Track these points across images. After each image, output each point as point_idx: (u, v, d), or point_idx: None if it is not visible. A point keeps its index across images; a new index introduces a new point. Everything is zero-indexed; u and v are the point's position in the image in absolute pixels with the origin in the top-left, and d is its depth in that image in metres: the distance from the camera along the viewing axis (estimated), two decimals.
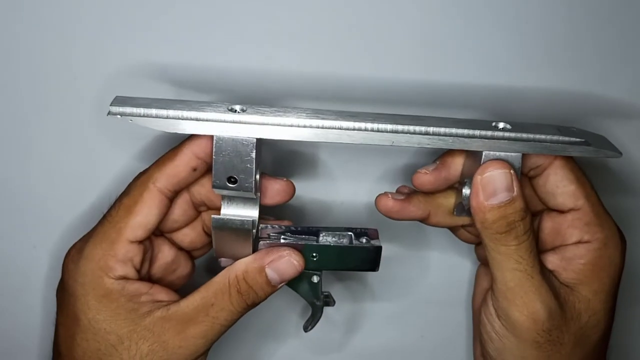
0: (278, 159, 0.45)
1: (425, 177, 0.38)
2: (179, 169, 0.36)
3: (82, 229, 0.39)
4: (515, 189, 0.35)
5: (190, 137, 0.36)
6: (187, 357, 0.37)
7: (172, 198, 0.37)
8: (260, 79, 0.41)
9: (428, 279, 0.49)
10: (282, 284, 0.38)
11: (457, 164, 0.38)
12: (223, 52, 0.40)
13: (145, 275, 0.39)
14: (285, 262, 0.37)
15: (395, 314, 0.49)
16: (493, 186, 0.35)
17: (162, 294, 0.38)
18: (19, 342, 0.47)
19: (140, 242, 0.37)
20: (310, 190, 0.45)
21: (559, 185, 0.37)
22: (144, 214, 0.36)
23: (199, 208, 0.39)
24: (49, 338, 0.40)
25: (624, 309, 0.42)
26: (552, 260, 0.38)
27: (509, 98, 0.42)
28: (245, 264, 0.37)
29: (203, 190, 0.38)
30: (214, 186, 0.35)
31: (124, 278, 0.36)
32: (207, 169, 0.37)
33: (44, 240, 0.45)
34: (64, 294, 0.37)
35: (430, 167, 0.38)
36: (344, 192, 0.45)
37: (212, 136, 0.34)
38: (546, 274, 0.37)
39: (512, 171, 0.35)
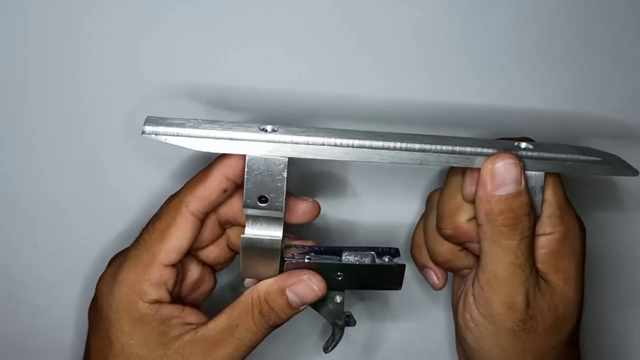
0: (302, 177, 0.45)
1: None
2: (210, 191, 0.36)
3: (82, 230, 0.40)
4: (522, 182, 0.35)
5: (220, 157, 0.37)
6: None
7: (203, 220, 0.38)
8: (284, 100, 0.42)
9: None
10: (304, 307, 0.38)
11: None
12: (251, 73, 0.41)
13: (175, 296, 0.39)
14: (304, 287, 0.37)
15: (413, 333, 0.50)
16: (502, 177, 0.35)
17: (192, 317, 0.38)
18: (20, 342, 0.47)
19: (174, 265, 0.37)
20: (334, 210, 0.46)
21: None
22: (177, 238, 0.36)
23: (224, 226, 0.39)
24: (52, 339, 0.41)
25: (624, 309, 0.43)
26: None
27: (513, 118, 0.44)
28: (267, 285, 0.38)
29: (230, 210, 0.39)
30: (245, 205, 0.35)
31: (158, 302, 0.36)
32: (236, 190, 0.37)
33: (44, 241, 0.45)
34: (98, 317, 0.37)
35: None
36: (367, 211, 0.46)
37: (242, 156, 0.35)
38: (534, 267, 0.37)
39: (521, 164, 0.35)
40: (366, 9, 0.41)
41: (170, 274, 0.37)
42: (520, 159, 0.35)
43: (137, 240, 0.37)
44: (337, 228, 0.46)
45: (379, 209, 0.46)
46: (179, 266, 0.38)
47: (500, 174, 0.35)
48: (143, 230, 0.37)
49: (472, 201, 0.37)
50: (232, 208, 0.38)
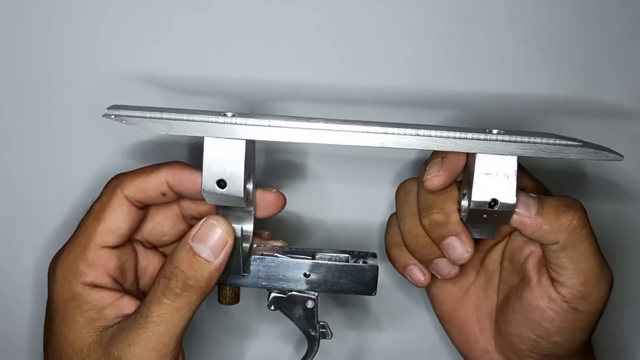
0: (279, 173, 0.45)
1: (438, 180, 0.36)
2: (149, 186, 0.36)
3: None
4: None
5: (170, 162, 0.37)
6: None
7: (142, 208, 0.37)
8: (256, 87, 0.43)
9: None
10: (220, 262, 0.35)
11: (457, 155, 0.36)
12: (219, 61, 0.43)
13: (132, 288, 0.38)
14: (204, 228, 0.34)
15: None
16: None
17: (131, 306, 0.36)
18: (19, 344, 0.47)
19: (113, 247, 0.36)
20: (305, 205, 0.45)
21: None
22: (111, 220, 0.36)
23: (190, 221, 0.39)
24: None
25: (623, 309, 0.39)
26: None
27: (506, 105, 0.43)
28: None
29: (193, 205, 0.38)
30: (203, 190, 0.35)
31: (93, 284, 0.36)
32: (179, 197, 0.37)
33: (44, 242, 0.46)
34: (48, 299, 0.37)
35: (435, 166, 0.36)
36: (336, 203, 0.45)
37: (189, 169, 0.36)
38: None
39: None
40: None
41: (109, 256, 0.36)
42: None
43: (79, 223, 0.37)
44: (309, 223, 0.45)
45: (348, 200, 0.45)
46: (127, 251, 0.37)
47: None
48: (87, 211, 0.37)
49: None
50: (196, 202, 0.38)
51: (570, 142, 0.34)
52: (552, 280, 0.36)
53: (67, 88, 0.43)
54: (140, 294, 0.39)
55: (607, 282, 0.36)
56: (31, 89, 0.44)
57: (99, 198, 0.37)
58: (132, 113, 0.34)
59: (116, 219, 0.36)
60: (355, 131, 0.34)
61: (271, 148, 0.45)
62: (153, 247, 0.39)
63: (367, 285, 0.38)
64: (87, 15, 0.42)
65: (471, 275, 0.42)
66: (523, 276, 0.38)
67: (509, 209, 0.35)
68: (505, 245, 0.41)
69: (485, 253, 0.42)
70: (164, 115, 0.34)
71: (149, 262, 0.39)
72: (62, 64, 0.43)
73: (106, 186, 0.37)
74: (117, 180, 0.37)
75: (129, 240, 0.38)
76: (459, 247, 0.36)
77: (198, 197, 0.36)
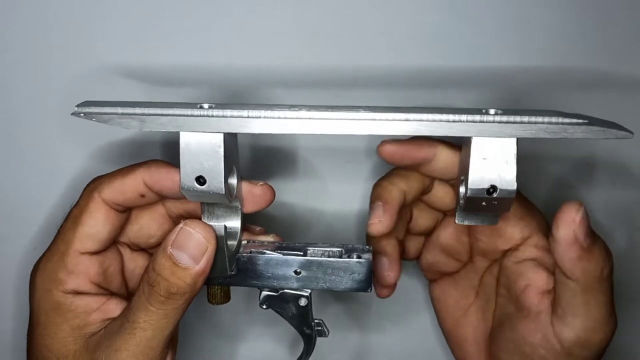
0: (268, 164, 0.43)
1: (381, 226, 0.35)
2: (126, 188, 0.34)
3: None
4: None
5: (146, 162, 0.35)
6: None
7: (122, 211, 0.35)
8: (241, 74, 0.41)
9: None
10: (202, 267, 0.33)
11: (430, 148, 0.35)
12: (202, 48, 0.40)
13: (120, 291, 0.37)
14: (181, 235, 0.33)
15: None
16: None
17: (117, 309, 0.35)
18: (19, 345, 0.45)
19: (94, 253, 0.35)
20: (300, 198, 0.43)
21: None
22: (90, 225, 0.34)
23: (177, 220, 0.37)
24: None
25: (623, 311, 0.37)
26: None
27: (512, 80, 0.40)
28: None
29: (178, 203, 0.36)
30: (182, 188, 0.33)
31: (75, 292, 0.34)
32: (160, 197, 0.36)
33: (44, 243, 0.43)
34: (29, 308, 0.36)
35: (376, 212, 0.35)
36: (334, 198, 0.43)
37: (167, 168, 0.34)
38: None
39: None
40: None
41: (90, 262, 0.34)
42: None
43: (59, 228, 0.36)
44: (303, 217, 0.43)
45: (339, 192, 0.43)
46: (110, 255, 0.36)
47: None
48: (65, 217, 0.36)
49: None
50: (182, 201, 0.36)
51: (574, 120, 0.31)
52: (554, 318, 0.34)
53: (40, 84, 0.42)
54: (129, 296, 0.38)
55: (610, 331, 0.34)
56: (2, 87, 0.42)
57: (76, 203, 0.35)
58: (102, 110, 0.32)
59: (95, 224, 0.34)
60: (341, 118, 0.32)
61: (258, 136, 0.43)
62: (140, 249, 0.38)
63: (362, 281, 0.35)
64: (61, 6, 0.40)
65: (470, 296, 0.41)
66: (520, 307, 0.36)
67: (509, 196, 0.32)
68: (499, 271, 0.38)
69: (482, 273, 0.40)
70: (137, 110, 0.32)
71: (137, 265, 0.37)
72: (33, 60, 0.41)
73: (84, 190, 0.36)
74: (95, 184, 0.35)
75: (113, 244, 0.37)
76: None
77: (178, 196, 0.34)
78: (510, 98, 0.40)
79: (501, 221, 0.36)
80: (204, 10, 0.40)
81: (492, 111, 0.32)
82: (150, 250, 0.38)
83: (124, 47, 0.41)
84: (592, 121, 0.31)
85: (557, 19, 0.39)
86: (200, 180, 0.33)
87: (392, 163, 0.36)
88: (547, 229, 0.36)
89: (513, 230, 0.37)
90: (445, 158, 0.35)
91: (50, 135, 0.43)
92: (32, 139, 0.43)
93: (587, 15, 0.39)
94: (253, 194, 0.35)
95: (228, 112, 0.32)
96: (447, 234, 0.39)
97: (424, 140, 0.35)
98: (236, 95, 0.41)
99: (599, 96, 0.39)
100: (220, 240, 0.34)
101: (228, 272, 0.35)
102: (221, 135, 0.32)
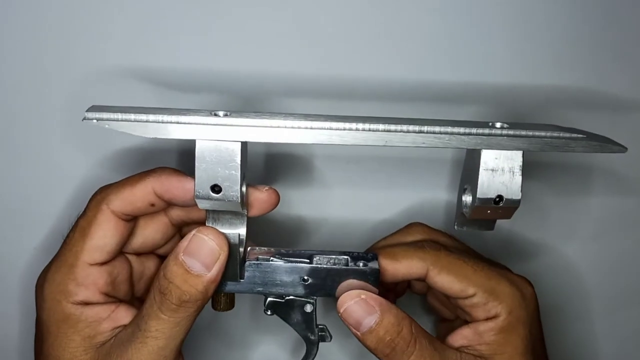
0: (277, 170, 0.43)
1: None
2: (136, 198, 0.34)
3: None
4: (377, 308, 0.34)
5: (155, 169, 0.35)
6: None
7: (130, 220, 0.35)
8: (251, 82, 0.41)
9: None
10: (214, 274, 0.33)
11: (397, 270, 0.36)
12: (214, 55, 0.40)
13: (127, 297, 0.36)
14: (194, 242, 0.33)
15: None
16: (354, 318, 0.35)
17: (127, 317, 0.34)
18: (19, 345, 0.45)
19: (103, 264, 0.34)
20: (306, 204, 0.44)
21: (445, 289, 0.36)
22: (99, 237, 0.34)
23: (180, 225, 0.37)
24: None
25: (622, 310, 0.39)
26: (466, 335, 0.37)
27: (510, 96, 0.42)
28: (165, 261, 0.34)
29: (183, 212, 0.36)
30: (196, 197, 0.32)
31: (85, 303, 0.34)
32: (169, 205, 0.35)
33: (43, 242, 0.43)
34: (37, 318, 0.35)
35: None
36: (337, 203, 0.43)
37: (176, 175, 0.34)
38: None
39: (363, 296, 0.35)
40: None
41: (99, 273, 0.34)
42: (364, 288, 0.35)
43: (64, 239, 0.35)
44: (305, 222, 0.43)
45: (350, 199, 0.43)
46: (118, 264, 0.35)
47: (351, 316, 0.35)
48: (71, 228, 0.35)
49: None
50: (185, 210, 0.36)
51: (574, 135, 0.33)
52: None
53: (43, 88, 0.40)
54: (136, 301, 0.37)
55: None
56: (6, 90, 0.40)
57: (83, 213, 0.35)
58: (114, 116, 0.31)
59: (103, 236, 0.34)
60: (357, 129, 0.32)
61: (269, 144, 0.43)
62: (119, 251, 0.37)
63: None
64: (70, 8, 0.39)
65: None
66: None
67: (514, 205, 0.34)
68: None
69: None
70: (151, 117, 0.32)
71: (145, 267, 0.37)
72: (40, 62, 0.40)
73: (90, 200, 0.35)
74: (102, 195, 0.34)
75: (121, 253, 0.36)
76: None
77: (189, 204, 0.34)
78: (508, 114, 0.42)
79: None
80: (209, 15, 0.40)
81: (498, 124, 0.33)
82: (157, 251, 0.38)
83: (128, 50, 0.40)
84: (589, 136, 0.33)
85: (550, 40, 0.41)
86: (215, 188, 0.32)
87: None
88: None
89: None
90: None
91: (53, 139, 0.41)
92: (35, 142, 0.41)
93: (580, 36, 0.41)
94: (259, 200, 0.35)
95: (246, 121, 0.32)
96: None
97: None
98: (244, 100, 0.41)
99: (590, 114, 0.42)
100: (234, 248, 0.34)
101: (238, 279, 0.35)
102: (239, 144, 0.32)
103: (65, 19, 0.39)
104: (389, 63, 0.41)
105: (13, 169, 0.42)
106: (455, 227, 0.37)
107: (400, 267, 0.36)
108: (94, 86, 0.40)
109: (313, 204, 0.44)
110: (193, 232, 0.33)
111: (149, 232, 0.37)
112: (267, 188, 0.36)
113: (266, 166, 0.43)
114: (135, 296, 0.38)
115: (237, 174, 0.32)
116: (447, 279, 0.36)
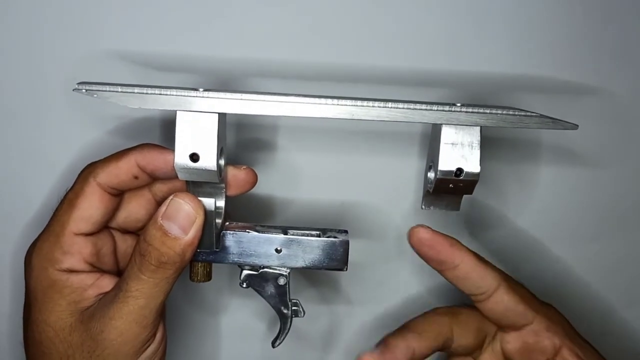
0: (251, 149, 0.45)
1: (424, 232, 0.37)
2: (120, 171, 0.36)
3: None
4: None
5: (139, 145, 0.37)
6: (113, 340, 0.34)
7: (117, 195, 0.37)
8: (232, 65, 0.43)
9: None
10: (191, 237, 0.35)
11: (401, 346, 0.37)
12: (196, 38, 0.43)
13: (113, 269, 0.38)
14: (171, 206, 0.35)
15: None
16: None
17: (111, 285, 0.36)
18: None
19: (88, 234, 0.36)
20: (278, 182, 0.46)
21: (508, 308, 0.38)
22: (85, 208, 0.36)
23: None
24: None
25: (622, 310, 0.40)
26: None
27: (471, 83, 0.45)
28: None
29: (165, 187, 0.38)
30: (176, 164, 0.35)
31: (70, 270, 0.36)
32: (151, 178, 0.38)
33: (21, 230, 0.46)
34: (26, 287, 0.37)
35: (374, 351, 0.37)
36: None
37: (158, 150, 0.36)
38: None
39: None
40: None
41: (84, 243, 0.36)
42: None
43: (54, 211, 0.37)
44: (281, 200, 0.45)
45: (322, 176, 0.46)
46: (104, 237, 0.37)
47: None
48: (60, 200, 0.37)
49: None
50: (167, 185, 0.38)
51: (528, 113, 0.36)
52: None
53: (37, 69, 0.43)
54: (120, 275, 0.39)
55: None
56: None
57: (72, 187, 0.37)
58: (103, 87, 0.34)
59: (89, 207, 0.36)
60: (326, 103, 0.35)
61: (243, 122, 0.45)
62: (130, 232, 0.39)
63: (338, 260, 0.38)
64: None
65: None
66: None
67: (474, 178, 0.36)
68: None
69: None
70: (136, 89, 0.35)
71: (128, 246, 0.39)
72: (29, 44, 0.43)
73: (79, 175, 0.37)
74: (89, 169, 0.37)
75: (106, 227, 0.38)
76: None
77: (170, 176, 0.36)
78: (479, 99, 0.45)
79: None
80: (204, 3, 0.43)
81: (458, 104, 0.36)
82: (140, 231, 0.40)
83: (119, 35, 0.43)
84: (542, 115, 0.36)
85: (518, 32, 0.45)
86: (194, 157, 0.35)
87: (419, 250, 0.38)
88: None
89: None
90: (467, 268, 0.37)
91: (48, 121, 0.44)
92: (27, 122, 0.44)
93: (541, 28, 0.45)
94: (237, 178, 0.38)
95: (223, 94, 0.35)
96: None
97: (455, 242, 0.38)
98: (223, 83, 0.44)
99: (547, 98, 0.45)
100: (210, 215, 0.36)
101: (214, 248, 0.37)
102: (216, 116, 0.35)
103: (53, 5, 0.42)
104: (369, 48, 0.44)
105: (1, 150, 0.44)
106: (423, 207, 0.39)
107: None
108: (82, 71, 0.43)
109: (284, 181, 0.46)
110: (171, 196, 0.35)
111: (133, 207, 0.39)
112: (245, 167, 0.38)
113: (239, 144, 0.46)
114: (122, 271, 0.39)
115: (214, 143, 0.35)
116: (512, 300, 0.38)
